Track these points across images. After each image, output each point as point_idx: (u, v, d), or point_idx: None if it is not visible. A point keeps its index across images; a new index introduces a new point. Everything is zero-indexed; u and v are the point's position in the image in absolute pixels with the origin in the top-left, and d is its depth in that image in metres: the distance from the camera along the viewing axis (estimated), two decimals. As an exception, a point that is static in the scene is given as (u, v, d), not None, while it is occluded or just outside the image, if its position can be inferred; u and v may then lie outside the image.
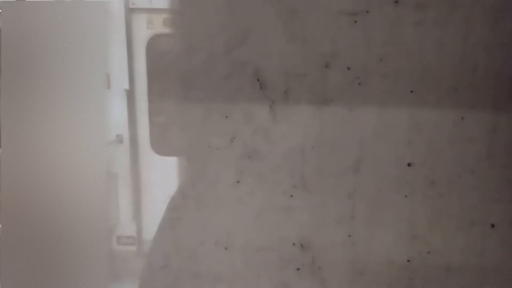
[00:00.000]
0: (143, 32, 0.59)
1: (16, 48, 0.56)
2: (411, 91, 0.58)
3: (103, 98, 0.59)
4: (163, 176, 0.61)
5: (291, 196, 0.60)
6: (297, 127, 0.59)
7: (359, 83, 0.58)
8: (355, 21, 0.57)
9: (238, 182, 0.60)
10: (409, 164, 0.59)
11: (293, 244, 0.61)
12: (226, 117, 0.59)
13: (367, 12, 0.57)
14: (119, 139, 0.61)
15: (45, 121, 0.58)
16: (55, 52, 0.57)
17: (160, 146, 0.60)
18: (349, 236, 0.61)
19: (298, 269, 0.62)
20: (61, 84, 0.57)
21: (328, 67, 0.58)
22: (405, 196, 0.60)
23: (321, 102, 0.59)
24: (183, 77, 0.58)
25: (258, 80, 0.58)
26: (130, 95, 0.60)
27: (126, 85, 0.60)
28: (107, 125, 0.60)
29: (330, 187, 0.60)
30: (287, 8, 0.57)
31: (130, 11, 0.59)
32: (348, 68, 0.58)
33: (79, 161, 0.58)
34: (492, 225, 0.61)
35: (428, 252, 0.61)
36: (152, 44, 0.59)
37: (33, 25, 0.56)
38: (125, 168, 0.61)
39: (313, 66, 0.58)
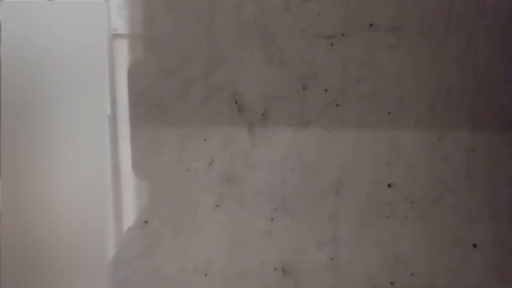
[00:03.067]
0: (124, 57, 0.59)
1: (16, 49, 0.56)
2: (389, 112, 0.58)
3: (103, 122, 0.59)
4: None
5: (272, 219, 0.60)
6: (276, 149, 0.59)
7: (337, 105, 0.58)
8: (332, 44, 0.58)
9: (217, 206, 0.59)
10: (389, 185, 0.59)
11: (275, 269, 0.60)
12: (205, 140, 0.59)
13: (343, 35, 0.57)
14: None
15: (45, 124, 0.57)
16: (55, 53, 0.57)
17: (141, 171, 0.59)
18: (331, 259, 0.60)
19: (280, 294, 0.61)
20: (61, 85, 0.57)
21: (306, 89, 0.58)
22: (387, 217, 0.60)
23: (300, 124, 0.59)
24: (161, 101, 0.58)
25: (236, 102, 0.58)
26: (112, 120, 0.59)
27: (108, 111, 0.60)
28: (105, 150, 0.60)
29: (311, 210, 0.59)
30: (265, 31, 0.58)
31: (112, 37, 0.59)
32: (326, 90, 0.58)
33: (72, 185, 0.58)
34: (474, 245, 0.61)
35: (412, 274, 0.61)
36: (133, 69, 0.59)
37: (33, 25, 0.56)
38: (107, 194, 0.60)
39: (291, 89, 0.58)
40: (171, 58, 0.58)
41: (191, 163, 0.59)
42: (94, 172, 0.58)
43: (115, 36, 0.59)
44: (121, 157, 0.60)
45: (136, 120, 0.59)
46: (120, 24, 0.58)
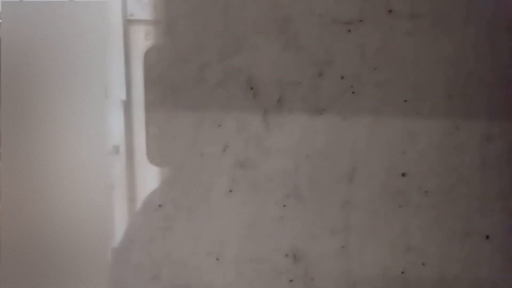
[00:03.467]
0: (141, 43, 0.59)
1: (15, 49, 0.56)
2: (405, 100, 0.58)
3: (102, 108, 0.59)
4: (159, 185, 0.60)
5: (284, 206, 0.60)
6: (290, 136, 0.59)
7: (353, 92, 0.58)
8: (349, 30, 0.57)
9: (230, 191, 0.59)
10: (403, 174, 0.59)
11: (286, 255, 0.61)
12: (219, 125, 0.59)
13: (361, 21, 0.57)
14: (116, 150, 0.61)
15: (44, 124, 0.58)
16: (56, 54, 0.57)
17: (156, 157, 0.60)
18: (343, 247, 0.60)
19: (291, 280, 0.61)
20: (61, 85, 0.57)
21: (321, 75, 0.58)
22: (399, 206, 0.60)
23: (315, 111, 0.58)
24: (176, 86, 0.58)
25: (251, 88, 0.58)
26: (127, 105, 0.60)
27: (123, 96, 0.60)
28: (105, 135, 0.60)
29: (323, 197, 0.59)
30: (281, 16, 0.57)
31: (128, 22, 0.59)
32: (342, 77, 0.58)
33: (77, 171, 0.58)
34: (487, 236, 0.61)
35: (423, 264, 0.61)
36: (149, 55, 0.59)
37: (34, 25, 0.56)
38: (121, 179, 0.61)
39: (307, 75, 0.58)
40: (186, 43, 0.58)
41: (206, 147, 0.59)
42: (97, 159, 0.58)
43: (130, 22, 0.59)
44: (136, 142, 0.61)
45: (151, 105, 0.59)
46: (137, 9, 0.58)
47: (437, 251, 0.61)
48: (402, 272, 0.61)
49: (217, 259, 0.61)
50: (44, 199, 0.58)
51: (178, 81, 0.58)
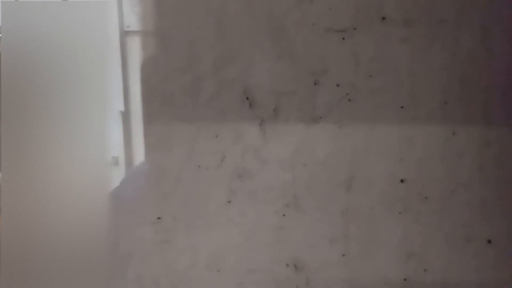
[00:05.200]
0: (137, 54, 0.59)
1: (15, 50, 0.56)
2: (401, 107, 0.58)
3: (101, 119, 0.59)
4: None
5: (283, 215, 0.60)
6: (287, 145, 0.59)
7: (349, 100, 0.58)
8: (343, 38, 0.57)
9: (229, 202, 0.59)
10: (402, 181, 0.59)
11: (287, 265, 0.60)
12: (216, 136, 0.59)
13: (355, 29, 0.57)
14: (115, 161, 0.61)
15: (44, 126, 0.58)
16: (56, 55, 0.57)
17: (154, 167, 0.60)
18: (343, 255, 0.60)
19: (292, 290, 0.61)
20: (60, 96, 0.57)
21: (317, 84, 0.58)
22: (399, 213, 0.60)
23: (311, 119, 0.59)
24: (172, 97, 0.58)
25: (247, 98, 0.58)
26: (126, 116, 0.60)
27: (122, 107, 0.60)
28: (105, 146, 0.60)
29: (322, 206, 0.60)
30: (275, 26, 0.57)
31: (124, 34, 0.59)
32: (337, 85, 0.58)
33: (77, 181, 0.58)
34: (489, 241, 0.60)
35: (425, 270, 0.61)
36: (146, 66, 0.59)
37: (33, 26, 0.57)
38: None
39: (302, 84, 0.58)
40: (181, 55, 0.58)
41: (203, 159, 0.59)
42: (97, 170, 0.59)
43: (127, 33, 0.59)
44: (134, 153, 0.61)
45: (148, 116, 0.59)
46: (133, 21, 0.59)
47: (439, 257, 0.61)
48: (405, 279, 0.61)
49: (218, 270, 0.61)
50: (43, 209, 0.58)
51: (174, 92, 0.59)
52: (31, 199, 0.58)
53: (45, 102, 0.57)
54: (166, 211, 0.60)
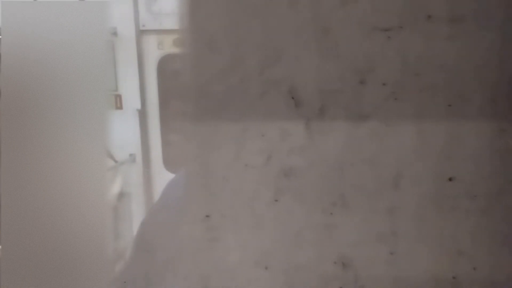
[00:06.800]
0: (154, 52, 0.60)
1: (16, 50, 0.58)
2: (449, 105, 0.58)
3: (108, 118, 0.60)
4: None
5: (331, 213, 0.60)
6: (334, 144, 0.60)
7: (395, 99, 0.58)
8: (389, 37, 0.58)
9: (276, 200, 0.60)
10: (450, 179, 0.59)
11: (334, 263, 0.61)
12: (262, 135, 0.60)
13: (401, 27, 0.57)
14: (132, 159, 0.62)
15: (44, 126, 0.59)
16: (57, 55, 0.58)
17: (202, 166, 0.61)
18: (391, 253, 0.61)
19: (340, 288, 0.61)
20: (61, 90, 0.59)
21: (363, 83, 0.59)
22: (448, 211, 0.60)
23: (358, 118, 0.59)
24: (220, 97, 0.59)
25: (293, 98, 0.59)
26: (142, 115, 0.61)
27: (138, 105, 0.61)
28: (105, 146, 0.61)
29: (370, 204, 0.60)
30: (320, 25, 0.58)
31: (140, 33, 0.60)
32: (384, 84, 0.58)
33: (78, 181, 0.59)
34: (539, 239, 0.60)
35: (474, 269, 0.61)
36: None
37: (34, 26, 0.58)
38: (138, 187, 0.62)
39: (348, 83, 0.59)
40: (227, 55, 0.59)
41: (250, 158, 0.60)
42: (97, 169, 0.59)
43: (143, 32, 0.60)
44: (152, 151, 0.62)
45: (196, 116, 0.61)
46: (149, 20, 0.59)
47: (488, 255, 0.60)
48: (454, 277, 0.61)
49: (266, 268, 0.62)
50: (43, 210, 0.59)
51: (222, 93, 0.60)
52: (31, 199, 0.59)
53: (45, 103, 0.58)
54: (214, 209, 0.61)
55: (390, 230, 0.61)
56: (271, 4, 0.58)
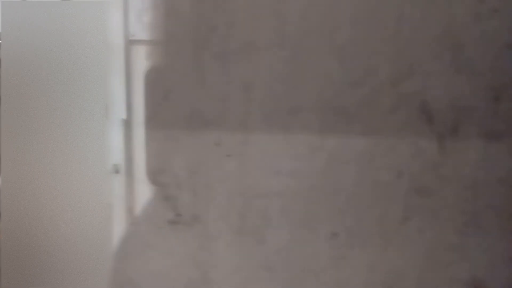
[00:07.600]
0: (142, 63, 0.59)
1: (16, 50, 0.56)
2: None
3: (102, 127, 0.59)
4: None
5: (463, 234, 0.58)
6: (467, 161, 0.58)
7: (536, 116, 0.57)
8: (526, 53, 0.57)
9: (406, 218, 0.58)
10: None
11: (466, 286, 0.59)
12: (392, 151, 0.58)
13: (538, 44, 0.56)
14: (115, 169, 0.60)
15: (44, 126, 0.58)
16: (57, 56, 0.57)
17: (331, 182, 0.58)
18: (523, 277, 0.59)
19: (466, 313, 0.59)
20: (61, 90, 0.57)
21: (498, 100, 0.57)
22: None
23: (492, 136, 0.58)
24: (347, 110, 0.57)
25: (424, 113, 0.57)
26: (127, 125, 0.59)
27: (124, 115, 0.59)
28: (105, 154, 0.59)
29: (504, 224, 0.58)
30: (453, 41, 0.57)
31: (129, 43, 0.59)
32: (522, 101, 0.57)
33: (75, 190, 0.58)
34: None
35: None
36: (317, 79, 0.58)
37: (34, 26, 0.56)
38: (121, 198, 0.60)
39: (483, 99, 0.58)
40: (358, 68, 0.58)
41: (379, 174, 0.58)
42: (96, 173, 0.58)
43: (132, 42, 0.58)
44: (136, 161, 0.59)
45: (320, 129, 0.58)
46: (138, 30, 0.58)
47: None
48: None
49: (393, 290, 0.59)
50: (43, 211, 0.58)
51: (349, 105, 0.58)
52: (31, 201, 0.58)
53: (45, 103, 0.57)
54: (341, 226, 0.59)
55: (525, 252, 0.59)
56: (403, 17, 0.57)
